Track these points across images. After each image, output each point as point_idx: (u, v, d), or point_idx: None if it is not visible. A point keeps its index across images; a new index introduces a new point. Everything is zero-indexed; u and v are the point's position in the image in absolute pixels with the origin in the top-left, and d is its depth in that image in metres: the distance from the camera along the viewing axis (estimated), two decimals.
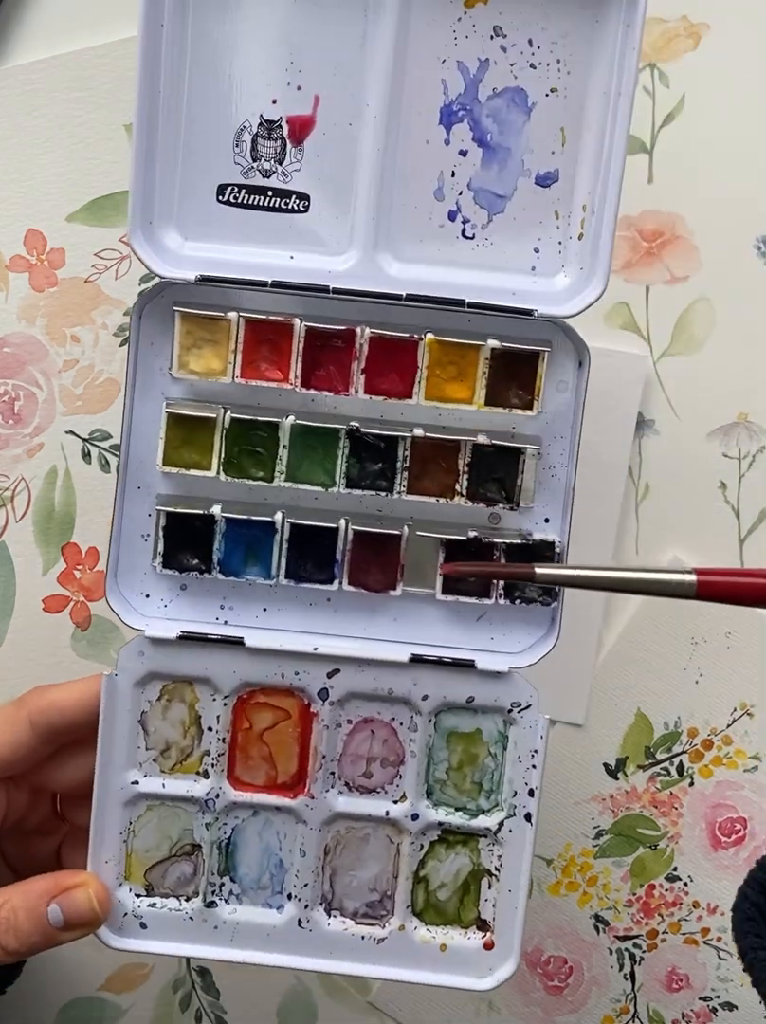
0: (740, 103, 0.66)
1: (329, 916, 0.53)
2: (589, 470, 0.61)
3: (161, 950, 0.53)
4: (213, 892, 0.53)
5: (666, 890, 0.68)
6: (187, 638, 0.52)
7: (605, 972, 0.69)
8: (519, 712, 0.52)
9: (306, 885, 0.53)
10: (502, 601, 0.52)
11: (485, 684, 0.52)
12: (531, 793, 0.52)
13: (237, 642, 0.52)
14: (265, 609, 0.53)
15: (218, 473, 0.51)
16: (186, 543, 0.52)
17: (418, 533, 0.52)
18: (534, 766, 0.52)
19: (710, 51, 0.65)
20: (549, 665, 0.60)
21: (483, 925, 0.53)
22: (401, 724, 0.53)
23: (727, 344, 0.66)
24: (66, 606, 0.66)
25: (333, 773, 0.53)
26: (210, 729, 0.53)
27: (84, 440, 0.65)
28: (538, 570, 0.44)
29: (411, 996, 0.69)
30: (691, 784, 0.67)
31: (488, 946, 0.53)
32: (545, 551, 0.52)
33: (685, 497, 0.67)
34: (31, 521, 0.66)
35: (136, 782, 0.52)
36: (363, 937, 0.53)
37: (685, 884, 0.68)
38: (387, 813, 0.53)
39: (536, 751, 0.52)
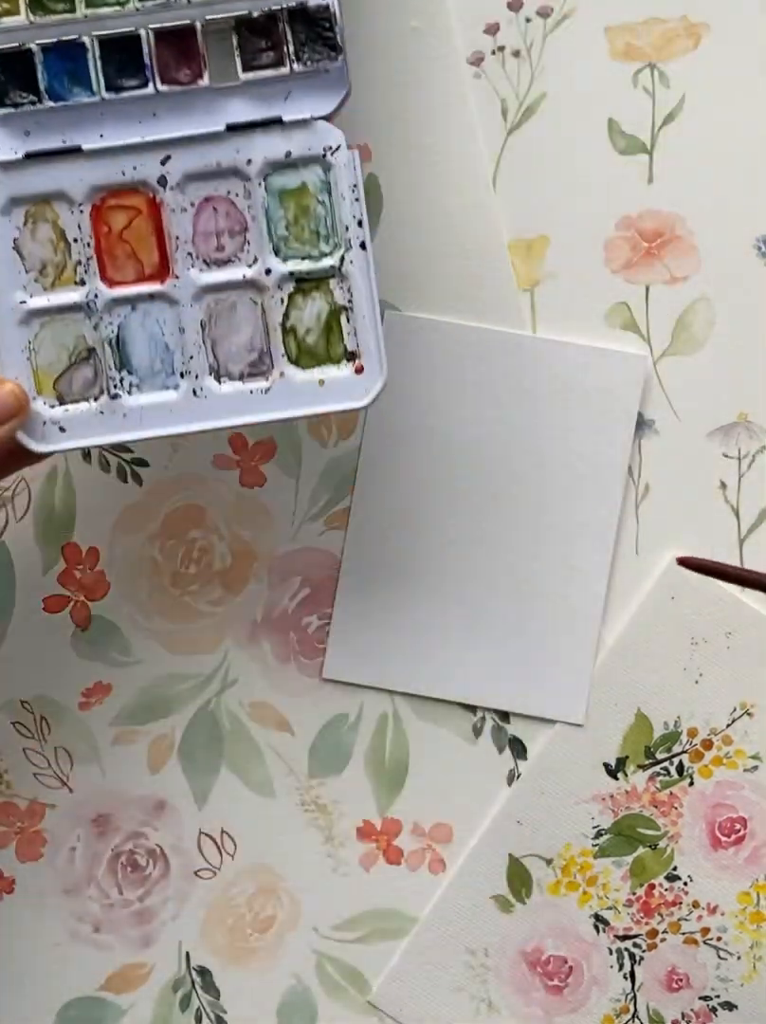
0: (740, 103, 0.66)
1: (219, 382, 0.60)
2: (588, 470, 0.67)
3: (83, 444, 0.60)
4: (115, 386, 0.60)
5: (666, 890, 0.68)
6: (32, 156, 0.59)
7: (605, 972, 0.69)
8: (332, 154, 0.59)
9: (191, 358, 0.60)
10: (296, 66, 0.59)
11: (298, 136, 0.59)
12: (360, 224, 0.59)
13: (76, 150, 0.59)
14: (102, 135, 0.60)
15: (26, 16, 0.59)
16: (13, 86, 0.59)
17: (208, 17, 0.58)
18: (357, 199, 0.59)
19: (710, 51, 0.66)
20: (548, 664, 0.68)
21: (351, 356, 0.60)
22: (237, 195, 0.60)
23: (727, 344, 0.67)
24: (66, 606, 0.68)
25: (190, 254, 0.60)
26: (76, 241, 0.60)
27: None
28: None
29: (411, 995, 0.69)
30: (691, 784, 0.68)
31: (358, 370, 0.60)
32: (321, 13, 0.59)
33: (685, 497, 0.67)
34: (31, 521, 0.67)
35: (24, 302, 0.59)
36: (251, 392, 0.60)
37: (685, 884, 0.68)
38: (244, 276, 0.60)
39: (355, 185, 0.59)
